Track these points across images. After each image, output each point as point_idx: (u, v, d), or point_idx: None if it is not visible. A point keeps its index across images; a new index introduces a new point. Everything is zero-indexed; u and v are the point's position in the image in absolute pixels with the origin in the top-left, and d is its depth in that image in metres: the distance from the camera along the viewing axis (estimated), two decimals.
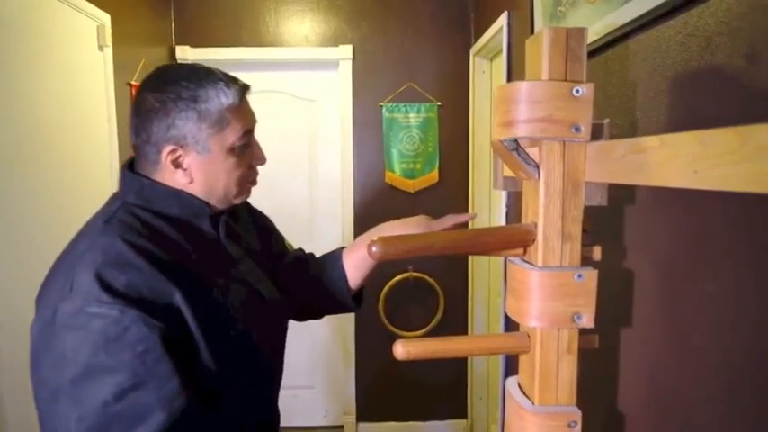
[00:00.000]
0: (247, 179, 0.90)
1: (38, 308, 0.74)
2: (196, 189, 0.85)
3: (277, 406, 1.01)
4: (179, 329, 0.74)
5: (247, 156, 0.88)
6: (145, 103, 0.80)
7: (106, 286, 0.70)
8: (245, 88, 0.86)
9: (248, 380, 0.87)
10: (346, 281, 1.06)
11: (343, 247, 1.11)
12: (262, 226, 1.09)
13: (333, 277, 1.07)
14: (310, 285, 1.08)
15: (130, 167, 0.86)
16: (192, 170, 0.83)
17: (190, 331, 0.75)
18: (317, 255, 1.15)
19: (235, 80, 0.85)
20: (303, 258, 1.13)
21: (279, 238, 1.13)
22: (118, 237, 0.75)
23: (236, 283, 0.87)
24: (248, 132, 0.86)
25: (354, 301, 1.10)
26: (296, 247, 1.17)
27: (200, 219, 0.86)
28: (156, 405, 0.69)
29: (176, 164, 0.82)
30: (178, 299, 0.74)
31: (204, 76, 0.82)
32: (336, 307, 1.11)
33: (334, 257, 1.09)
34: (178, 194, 0.84)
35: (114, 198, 0.85)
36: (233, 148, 0.84)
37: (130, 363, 0.69)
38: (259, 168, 0.92)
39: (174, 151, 0.81)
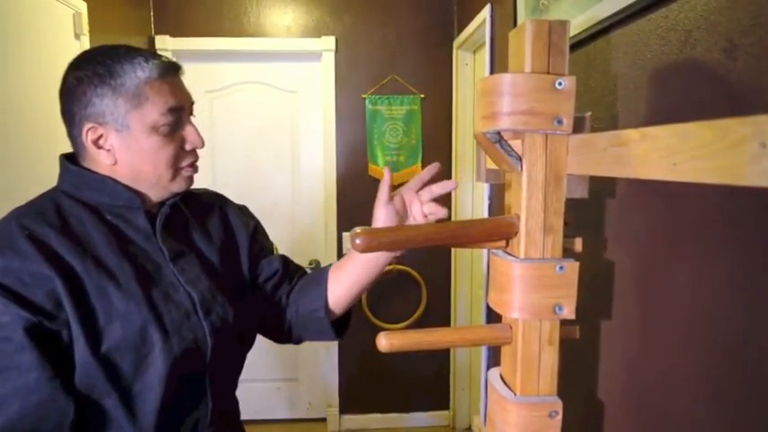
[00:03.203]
0: (180, 162, 0.84)
1: None
2: (122, 172, 0.81)
3: (225, 410, 0.90)
4: (56, 320, 0.71)
5: (178, 137, 0.83)
6: (65, 84, 0.79)
7: None
8: (170, 65, 0.81)
9: (150, 376, 0.78)
10: (326, 301, 0.94)
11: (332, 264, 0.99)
12: (235, 223, 0.99)
13: (312, 296, 0.96)
14: (285, 304, 0.99)
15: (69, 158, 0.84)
16: (115, 150, 0.80)
17: (69, 323, 0.72)
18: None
19: (158, 56, 0.81)
20: (285, 273, 1.01)
21: (261, 241, 1.02)
22: (14, 220, 0.75)
23: (155, 279, 0.80)
24: (175, 110, 0.81)
25: (335, 328, 0.97)
26: (280, 248, 1.06)
27: (133, 211, 0.82)
28: (9, 395, 0.68)
29: (98, 145, 0.79)
30: (59, 288, 0.71)
31: (124, 52, 0.79)
32: (314, 332, 0.99)
33: (320, 273, 0.98)
34: (103, 181, 0.81)
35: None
36: (156, 127, 0.79)
37: None
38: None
39: (93, 129, 0.78)
